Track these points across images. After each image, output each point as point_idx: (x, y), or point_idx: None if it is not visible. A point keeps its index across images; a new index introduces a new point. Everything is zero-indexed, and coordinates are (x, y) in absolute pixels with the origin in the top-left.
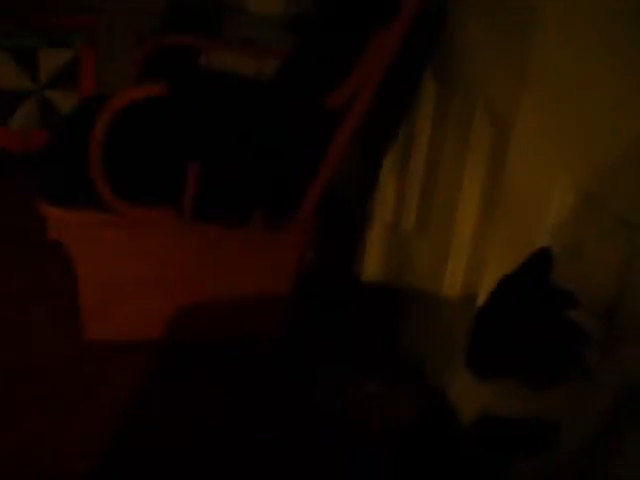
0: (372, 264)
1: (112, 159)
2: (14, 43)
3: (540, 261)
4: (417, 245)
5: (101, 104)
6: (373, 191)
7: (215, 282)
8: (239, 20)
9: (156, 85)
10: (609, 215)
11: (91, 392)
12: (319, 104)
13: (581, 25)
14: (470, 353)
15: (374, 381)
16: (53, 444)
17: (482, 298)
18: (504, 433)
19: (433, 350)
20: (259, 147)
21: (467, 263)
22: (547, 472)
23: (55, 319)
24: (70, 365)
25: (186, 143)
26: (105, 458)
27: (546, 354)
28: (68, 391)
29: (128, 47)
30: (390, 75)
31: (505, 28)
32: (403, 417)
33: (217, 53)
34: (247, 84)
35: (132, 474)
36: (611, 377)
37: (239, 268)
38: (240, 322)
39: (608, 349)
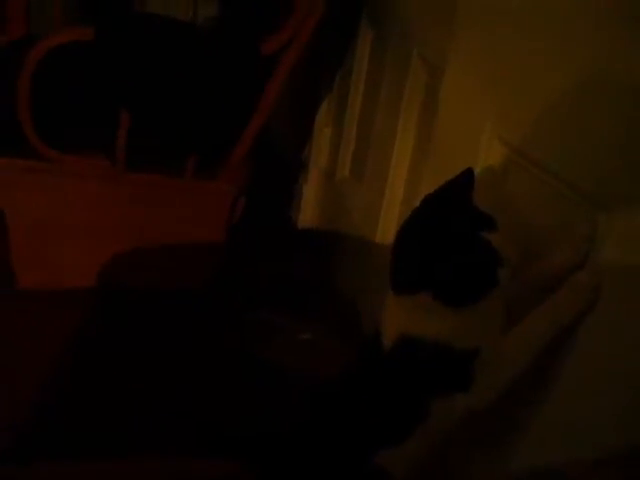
0: (308, 211)
1: (42, 105)
2: None
3: (463, 182)
4: (353, 191)
5: (28, 47)
6: (309, 139)
7: (148, 229)
8: None
9: (82, 29)
10: (529, 161)
11: (27, 339)
12: (253, 50)
13: None
14: (392, 267)
15: (308, 327)
16: None
17: None
18: (421, 353)
19: (367, 294)
20: (191, 93)
21: (400, 208)
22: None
23: None
24: (4, 314)
25: (116, 90)
26: (52, 404)
27: (460, 270)
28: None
29: None
30: (326, 24)
31: None
32: (336, 363)
33: None
34: (180, 28)
35: (77, 419)
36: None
37: (172, 215)
38: (173, 269)
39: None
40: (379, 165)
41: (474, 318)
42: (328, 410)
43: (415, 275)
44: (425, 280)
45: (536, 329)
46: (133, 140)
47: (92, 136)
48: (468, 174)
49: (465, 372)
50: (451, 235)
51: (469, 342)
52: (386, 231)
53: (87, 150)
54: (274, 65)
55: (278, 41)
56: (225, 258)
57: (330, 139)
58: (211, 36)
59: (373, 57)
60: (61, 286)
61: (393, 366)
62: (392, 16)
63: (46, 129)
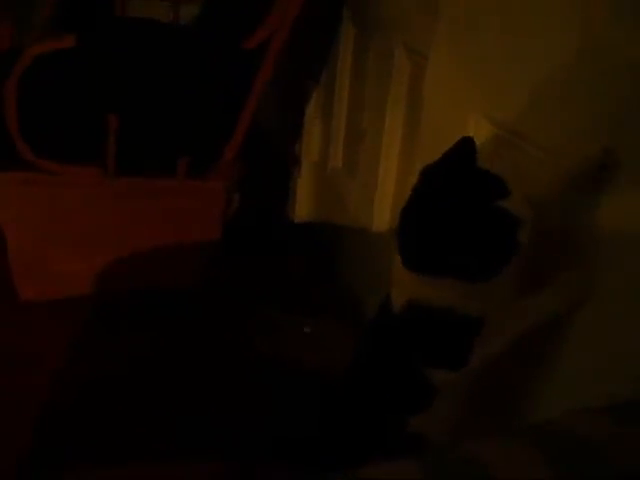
0: (303, 204)
1: (30, 116)
2: None
3: (464, 150)
4: (346, 182)
5: (13, 59)
6: (299, 133)
7: (144, 233)
8: None
9: (64, 37)
10: (517, 137)
11: (31, 348)
12: (236, 47)
13: None
14: (403, 250)
15: (310, 320)
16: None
17: None
18: (428, 318)
19: (369, 281)
20: (178, 94)
21: (394, 194)
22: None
23: None
24: (8, 325)
25: (102, 95)
26: (55, 415)
27: (480, 244)
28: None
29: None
30: (308, 16)
31: None
32: (339, 353)
33: (132, 1)
34: (161, 29)
35: (82, 428)
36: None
37: (167, 216)
38: (172, 270)
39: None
40: (370, 155)
41: (484, 286)
42: (343, 389)
43: (425, 255)
44: (443, 265)
45: (519, 320)
46: (122, 145)
47: (82, 144)
48: (469, 141)
49: (465, 342)
50: (462, 208)
51: (475, 310)
52: (381, 219)
53: (78, 158)
54: (259, 60)
55: (259, 36)
56: (221, 255)
57: (321, 131)
58: (193, 35)
59: (357, 48)
60: (62, 295)
61: (400, 330)
62: (374, 6)
63: (36, 140)
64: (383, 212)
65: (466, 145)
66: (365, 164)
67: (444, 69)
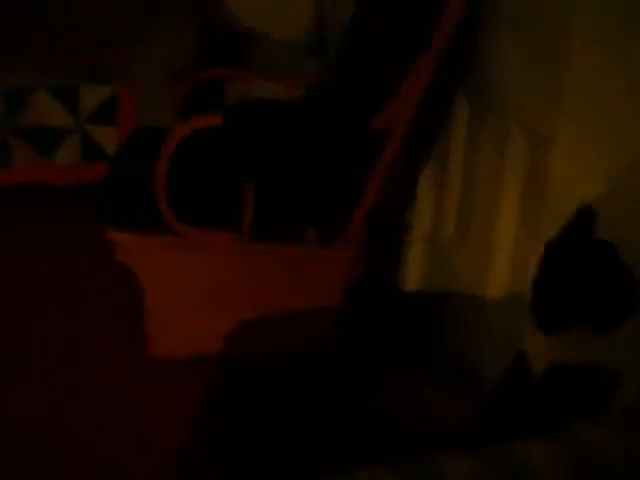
0: (413, 274)
1: (173, 185)
2: (57, 82)
3: (583, 218)
4: (457, 254)
5: (152, 135)
6: (412, 204)
7: (271, 297)
8: (261, 49)
9: (213, 116)
10: None
11: (156, 407)
12: (365, 125)
13: (617, 41)
14: (536, 314)
15: (428, 382)
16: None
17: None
18: (570, 380)
19: (482, 351)
20: (310, 167)
21: (511, 264)
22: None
23: (121, 338)
24: (136, 381)
25: (241, 167)
26: (185, 472)
27: (606, 297)
28: (133, 405)
29: (163, 81)
30: (426, 94)
31: (538, 45)
32: (456, 418)
33: (249, 83)
34: (295, 109)
35: None
36: None
37: (293, 283)
38: (295, 334)
39: None
40: (484, 226)
41: (620, 340)
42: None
43: (563, 318)
44: (575, 318)
45: None
46: (257, 213)
47: (220, 211)
48: (587, 210)
49: (606, 394)
50: (586, 269)
51: (613, 363)
52: (496, 288)
53: (216, 224)
54: (384, 137)
55: (388, 115)
56: (343, 322)
57: (433, 202)
58: (322, 114)
59: (471, 124)
60: (191, 355)
61: (545, 391)
62: (489, 84)
63: (178, 206)
64: (497, 283)
65: (584, 215)
66: (478, 237)
67: (571, 150)
